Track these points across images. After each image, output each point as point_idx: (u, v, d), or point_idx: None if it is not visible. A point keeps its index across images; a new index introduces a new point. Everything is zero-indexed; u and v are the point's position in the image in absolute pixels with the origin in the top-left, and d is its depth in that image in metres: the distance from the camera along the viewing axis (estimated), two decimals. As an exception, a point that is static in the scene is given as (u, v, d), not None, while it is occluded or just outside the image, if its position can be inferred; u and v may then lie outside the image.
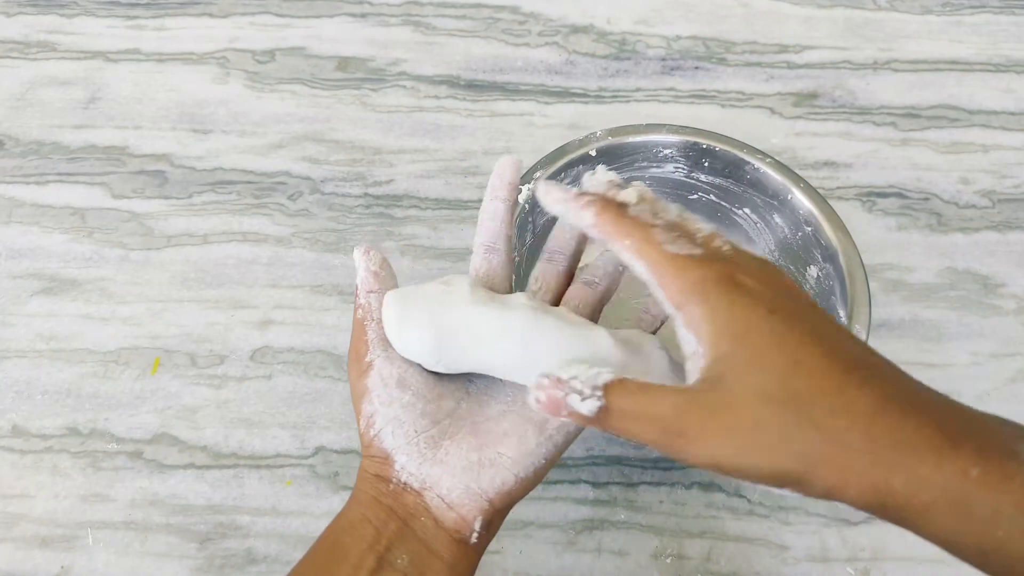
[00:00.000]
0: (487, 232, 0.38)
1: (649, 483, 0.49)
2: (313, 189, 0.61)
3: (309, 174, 0.62)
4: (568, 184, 0.52)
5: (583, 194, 0.32)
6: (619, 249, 0.30)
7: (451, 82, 0.67)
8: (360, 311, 0.35)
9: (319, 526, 0.48)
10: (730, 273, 0.27)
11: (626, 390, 0.28)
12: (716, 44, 0.70)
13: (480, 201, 0.60)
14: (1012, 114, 0.66)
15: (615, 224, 0.30)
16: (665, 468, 0.50)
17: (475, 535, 0.32)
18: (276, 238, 0.59)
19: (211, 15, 0.72)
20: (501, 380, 0.36)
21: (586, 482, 0.49)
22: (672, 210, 0.31)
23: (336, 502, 0.48)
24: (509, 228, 0.38)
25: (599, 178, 0.34)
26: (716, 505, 0.48)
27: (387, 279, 0.36)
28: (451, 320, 0.34)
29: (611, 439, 0.50)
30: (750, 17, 0.72)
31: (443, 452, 0.33)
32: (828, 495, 0.25)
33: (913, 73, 0.68)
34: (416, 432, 0.33)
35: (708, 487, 0.49)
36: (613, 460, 0.50)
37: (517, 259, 0.50)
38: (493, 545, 0.47)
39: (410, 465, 0.33)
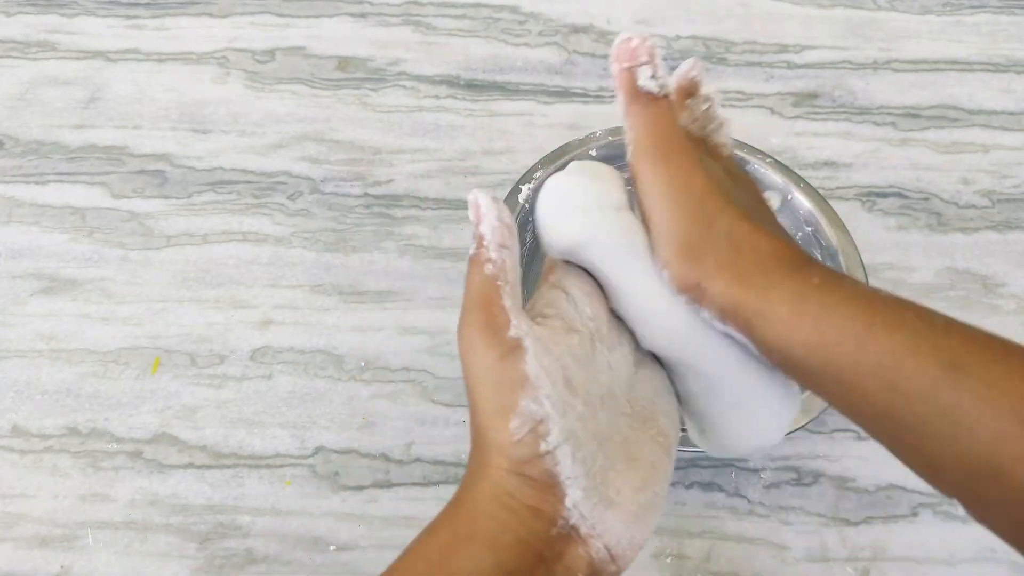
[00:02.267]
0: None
1: (649, 483, 0.49)
2: (313, 189, 0.61)
3: (309, 174, 0.62)
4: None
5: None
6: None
7: (451, 82, 0.67)
8: (491, 266, 0.28)
9: (319, 526, 0.49)
10: (708, 150, 0.34)
11: (667, 108, 0.31)
12: (716, 44, 0.70)
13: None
14: (1012, 114, 0.66)
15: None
16: (665, 468, 0.50)
17: None
18: (276, 238, 0.59)
19: (211, 15, 0.72)
20: (615, 376, 0.30)
21: (586, 482, 0.49)
22: (713, 119, 0.36)
23: (336, 502, 0.48)
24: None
25: (684, 69, 0.37)
26: (716, 505, 0.48)
27: (516, 238, 0.29)
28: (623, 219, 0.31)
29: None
30: (750, 17, 0.72)
31: (614, 491, 0.27)
32: (694, 291, 0.29)
33: (913, 73, 0.68)
34: (593, 460, 0.26)
35: (708, 487, 0.49)
36: (613, 460, 0.50)
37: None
38: (493, 545, 0.47)
39: (585, 505, 0.26)
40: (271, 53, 0.69)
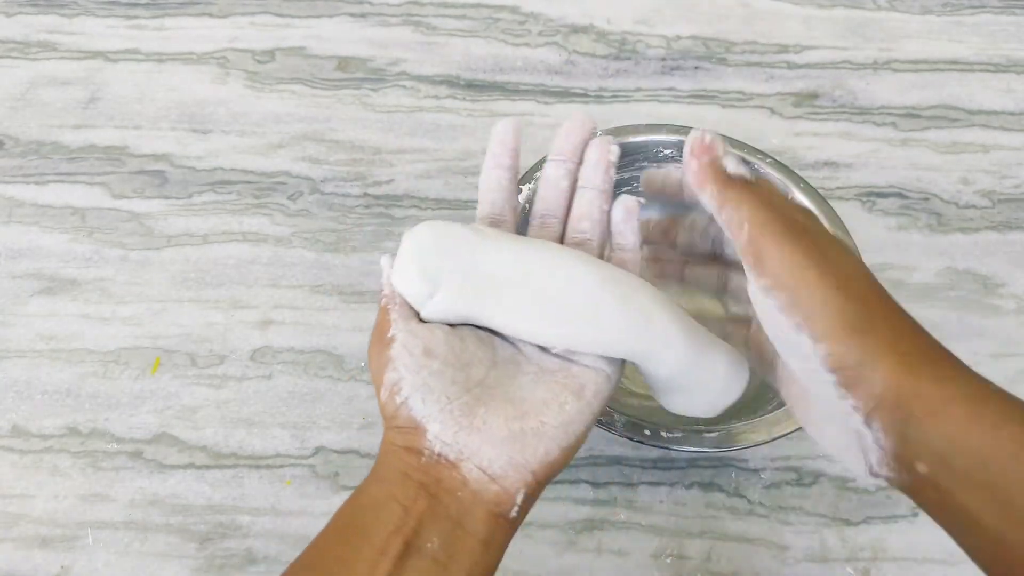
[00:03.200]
0: (491, 204, 0.37)
1: (649, 483, 0.49)
2: (313, 189, 0.61)
3: (309, 174, 0.62)
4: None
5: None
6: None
7: (451, 82, 0.67)
8: (384, 299, 0.34)
9: (319, 526, 0.48)
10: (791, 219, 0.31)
11: (770, 190, 0.31)
12: (716, 44, 0.70)
13: (480, 201, 0.60)
14: (1012, 114, 0.66)
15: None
16: (665, 468, 0.50)
17: (516, 509, 0.30)
18: (276, 238, 0.59)
19: (211, 15, 0.72)
20: (525, 349, 0.34)
21: (586, 482, 0.49)
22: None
23: (336, 502, 0.48)
24: (515, 198, 0.37)
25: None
26: (716, 505, 0.48)
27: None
28: (484, 261, 0.33)
29: (611, 439, 0.50)
30: (750, 17, 0.72)
31: (480, 420, 0.31)
32: (853, 371, 0.28)
33: (913, 73, 0.68)
34: (448, 399, 0.31)
35: (708, 487, 0.49)
36: (613, 460, 0.50)
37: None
38: (493, 545, 0.47)
39: (445, 434, 0.30)
40: (271, 53, 0.69)
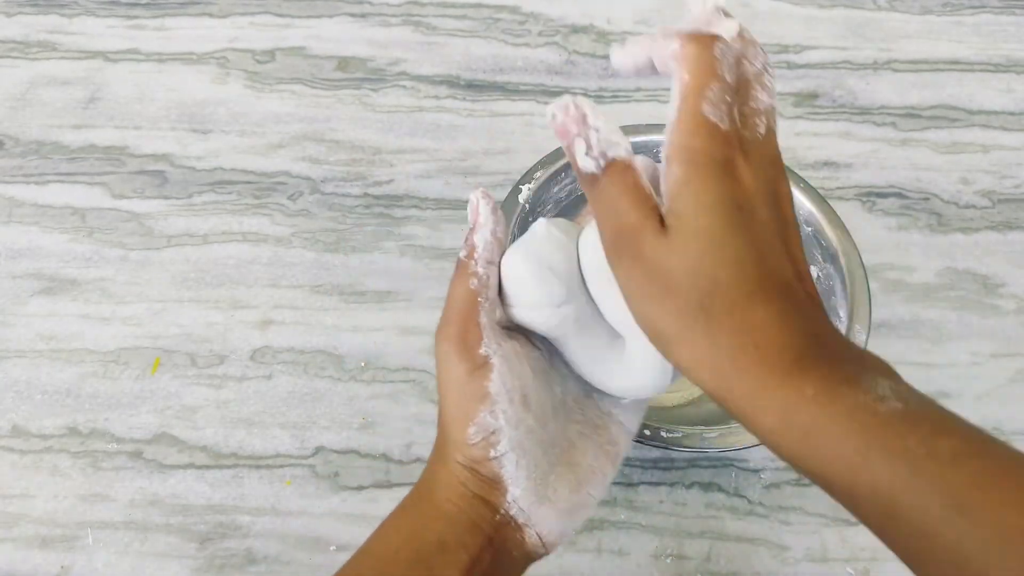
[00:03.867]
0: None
1: (649, 483, 0.49)
2: (313, 189, 0.61)
3: (309, 174, 0.62)
4: (567, 184, 0.52)
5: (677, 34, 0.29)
6: (676, 80, 0.28)
7: (451, 82, 0.67)
8: (475, 281, 0.30)
9: (319, 526, 0.49)
10: (730, 158, 0.27)
11: (621, 179, 0.27)
12: (716, 44, 0.70)
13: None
14: (1012, 114, 0.66)
15: (692, 61, 0.28)
16: (665, 468, 0.50)
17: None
18: (276, 238, 0.59)
19: (211, 15, 0.72)
20: (570, 384, 0.33)
21: (586, 482, 0.49)
22: (751, 69, 0.29)
23: (336, 502, 0.48)
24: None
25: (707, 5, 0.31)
26: (716, 505, 0.48)
27: (500, 255, 0.31)
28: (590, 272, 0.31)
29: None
30: (750, 17, 0.72)
31: (551, 490, 0.31)
32: (687, 374, 0.27)
33: (913, 73, 0.68)
34: (536, 467, 0.30)
35: (708, 487, 0.49)
36: (613, 460, 0.50)
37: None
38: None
39: (523, 500, 0.30)
40: (271, 53, 0.69)
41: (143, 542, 0.47)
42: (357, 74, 0.68)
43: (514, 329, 0.32)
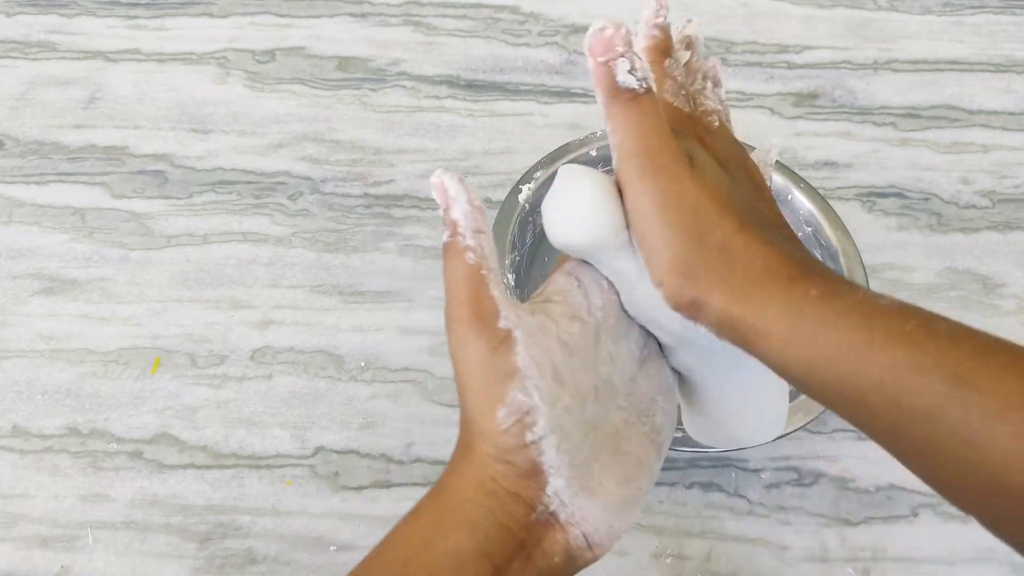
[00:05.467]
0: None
1: (649, 483, 0.49)
2: (313, 189, 0.61)
3: (309, 174, 0.62)
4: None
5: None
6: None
7: (451, 82, 0.67)
8: (471, 255, 0.27)
9: (319, 526, 0.49)
10: (698, 134, 0.30)
11: (657, 108, 0.28)
12: (716, 44, 0.70)
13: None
14: (1012, 114, 0.66)
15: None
16: (665, 468, 0.49)
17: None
18: (276, 238, 0.59)
19: (211, 15, 0.72)
20: (619, 364, 0.30)
21: (586, 482, 0.49)
22: (698, 82, 0.33)
23: (336, 502, 0.48)
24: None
25: (687, 30, 0.34)
26: (716, 505, 0.48)
27: (486, 218, 0.29)
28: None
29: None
30: (750, 17, 0.72)
31: (596, 481, 0.27)
32: (690, 309, 0.28)
33: (913, 73, 0.68)
34: (578, 450, 0.27)
35: (708, 487, 0.49)
36: (613, 460, 0.50)
37: (518, 258, 0.50)
38: (493, 545, 0.47)
39: (565, 492, 0.27)
40: (271, 53, 0.69)
41: (143, 542, 0.47)
42: (357, 74, 0.68)
43: (557, 302, 0.30)
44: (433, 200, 0.64)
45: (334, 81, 0.67)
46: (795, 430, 0.43)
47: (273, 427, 0.51)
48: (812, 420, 0.44)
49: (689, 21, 0.35)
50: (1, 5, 0.72)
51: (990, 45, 0.70)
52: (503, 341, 0.27)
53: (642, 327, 0.31)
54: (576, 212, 0.29)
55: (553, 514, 0.27)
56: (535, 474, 0.26)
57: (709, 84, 0.34)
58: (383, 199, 0.61)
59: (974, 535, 0.47)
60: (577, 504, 0.27)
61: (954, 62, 0.69)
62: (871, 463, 0.50)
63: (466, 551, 0.26)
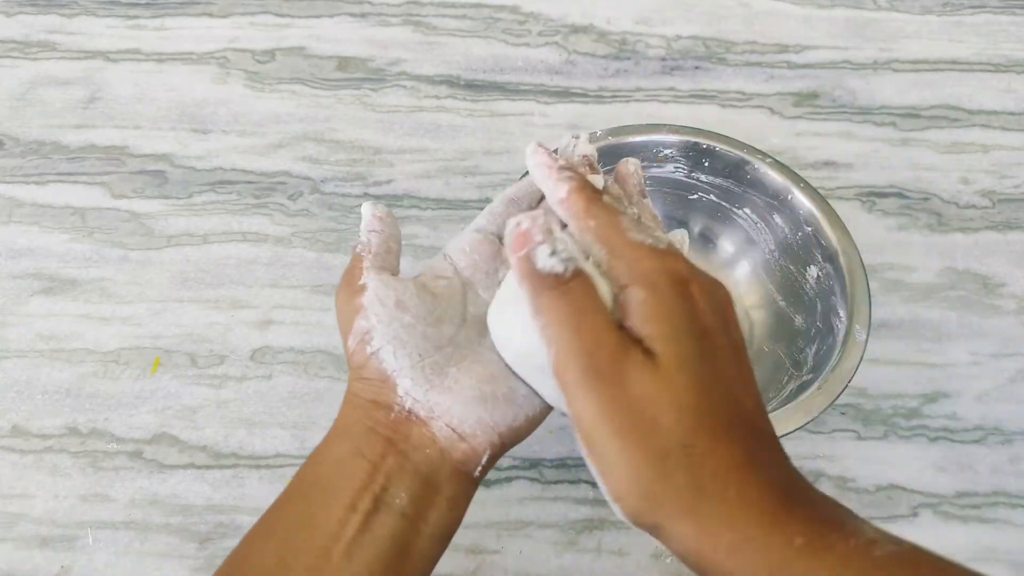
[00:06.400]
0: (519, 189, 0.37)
1: (649, 483, 0.49)
2: (313, 189, 0.61)
3: (309, 174, 0.62)
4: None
5: (565, 168, 0.30)
6: (582, 229, 0.28)
7: (451, 82, 0.67)
8: (359, 247, 0.34)
9: (319, 526, 0.48)
10: (685, 277, 0.27)
11: (592, 293, 0.26)
12: (716, 44, 0.70)
13: (480, 200, 0.60)
14: (1012, 114, 0.66)
15: (586, 205, 0.29)
16: (665, 468, 0.50)
17: (479, 468, 0.31)
18: (276, 238, 0.59)
19: (211, 15, 0.72)
20: (483, 309, 0.35)
21: (586, 482, 0.49)
22: (636, 212, 0.33)
23: (336, 502, 0.48)
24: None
25: (580, 149, 0.34)
26: (716, 505, 0.48)
27: (390, 225, 0.35)
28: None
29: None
30: (750, 17, 0.72)
31: (451, 380, 0.31)
32: (652, 531, 0.26)
33: (913, 73, 0.68)
34: (420, 355, 0.31)
35: (708, 487, 0.49)
36: (613, 460, 0.50)
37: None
38: (493, 545, 0.47)
39: (415, 390, 0.30)
40: (271, 53, 0.69)
41: (143, 542, 0.47)
42: (357, 74, 0.68)
43: (423, 272, 0.35)
44: (433, 200, 0.65)
45: (334, 81, 0.67)
46: (795, 430, 0.43)
47: (273, 427, 0.51)
48: (812, 420, 0.44)
49: (576, 137, 0.34)
50: (1, 5, 0.72)
51: (990, 45, 0.70)
52: (359, 291, 0.32)
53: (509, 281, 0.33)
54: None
55: (411, 412, 0.30)
56: (384, 380, 0.31)
57: (637, 199, 0.33)
58: (383, 199, 0.61)
59: (974, 535, 0.47)
60: (432, 399, 0.30)
61: (954, 62, 0.69)
62: (871, 463, 0.50)
63: (343, 454, 0.30)
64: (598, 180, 0.32)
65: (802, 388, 0.44)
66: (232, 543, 0.47)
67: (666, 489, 0.24)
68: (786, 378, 0.47)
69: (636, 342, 0.26)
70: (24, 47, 0.70)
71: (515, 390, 0.31)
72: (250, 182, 0.62)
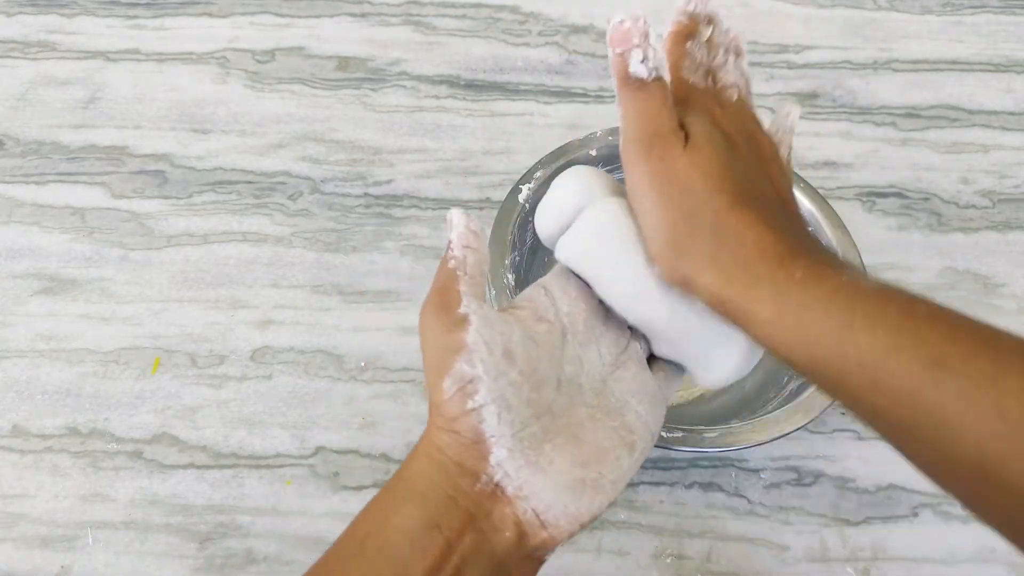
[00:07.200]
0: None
1: (649, 483, 0.49)
2: (313, 189, 0.61)
3: (309, 174, 0.62)
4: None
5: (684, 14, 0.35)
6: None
7: (451, 82, 0.67)
8: (453, 261, 0.30)
9: (319, 526, 0.49)
10: (712, 104, 0.33)
11: (663, 93, 0.31)
12: (716, 44, 0.70)
13: (480, 201, 0.60)
14: (1012, 114, 0.66)
15: (673, 39, 0.35)
16: (665, 468, 0.50)
17: (551, 554, 0.29)
18: (276, 238, 0.59)
19: (211, 15, 0.72)
20: (587, 366, 0.32)
21: (586, 482, 0.49)
22: (719, 57, 0.35)
23: (336, 502, 0.48)
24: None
25: (679, 4, 0.36)
26: (716, 505, 0.48)
27: (484, 244, 0.32)
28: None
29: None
30: (750, 17, 0.72)
31: (546, 459, 0.28)
32: (684, 285, 0.30)
33: (913, 73, 0.68)
34: (522, 424, 0.28)
35: (708, 487, 0.49)
36: (613, 460, 0.50)
37: (517, 258, 0.50)
38: (493, 545, 0.47)
39: (509, 463, 0.28)
40: (271, 53, 0.69)
41: (143, 542, 0.47)
42: (357, 74, 0.68)
43: (523, 307, 0.32)
44: (433, 200, 0.65)
45: (334, 81, 0.67)
46: (795, 430, 0.43)
47: (273, 427, 0.51)
48: (812, 420, 0.44)
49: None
50: (1, 5, 0.72)
51: (990, 45, 0.70)
52: (459, 323, 0.29)
53: (617, 337, 0.34)
54: (546, 205, 0.35)
55: (499, 486, 0.28)
56: (478, 442, 0.28)
57: (731, 57, 0.35)
58: (383, 199, 0.61)
59: (974, 535, 0.47)
60: (523, 478, 0.28)
61: (954, 62, 0.69)
62: (871, 463, 0.50)
63: (416, 524, 0.27)
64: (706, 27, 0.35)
65: (802, 388, 0.45)
66: (232, 543, 0.47)
67: (695, 242, 0.29)
68: (786, 378, 0.47)
69: (681, 131, 0.31)
70: (24, 47, 0.70)
71: (603, 475, 0.29)
72: (250, 182, 0.62)
